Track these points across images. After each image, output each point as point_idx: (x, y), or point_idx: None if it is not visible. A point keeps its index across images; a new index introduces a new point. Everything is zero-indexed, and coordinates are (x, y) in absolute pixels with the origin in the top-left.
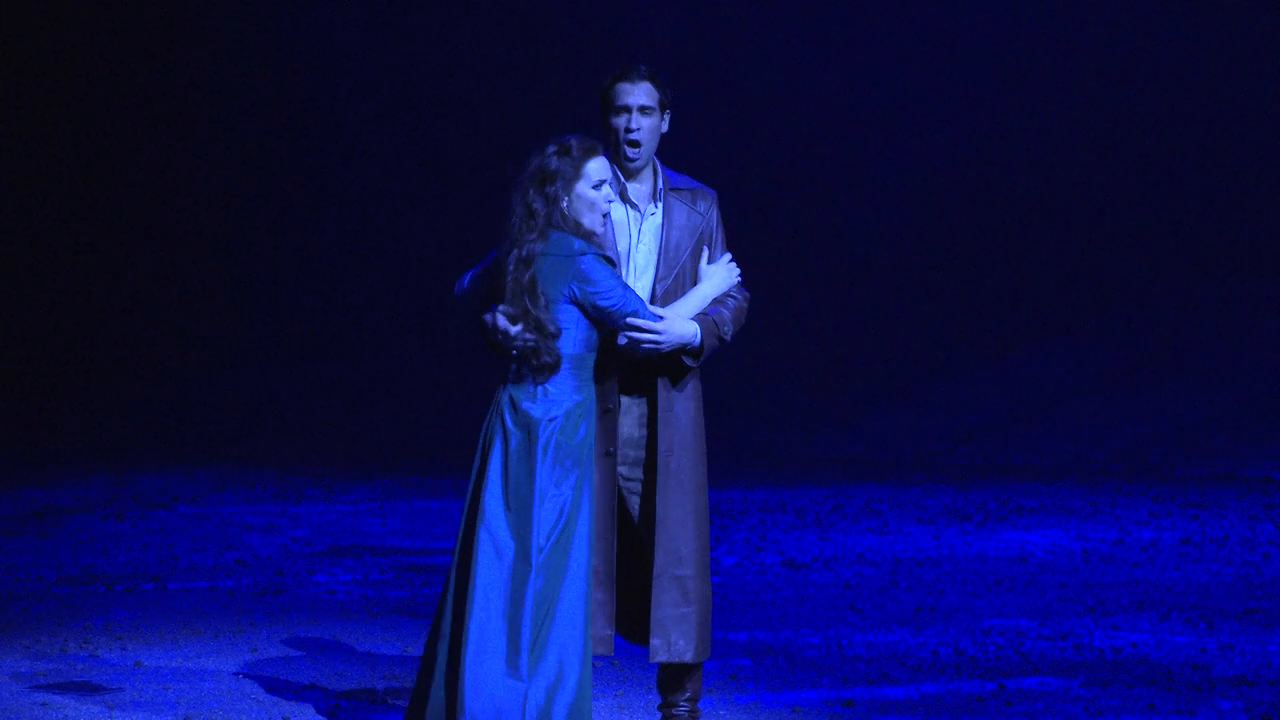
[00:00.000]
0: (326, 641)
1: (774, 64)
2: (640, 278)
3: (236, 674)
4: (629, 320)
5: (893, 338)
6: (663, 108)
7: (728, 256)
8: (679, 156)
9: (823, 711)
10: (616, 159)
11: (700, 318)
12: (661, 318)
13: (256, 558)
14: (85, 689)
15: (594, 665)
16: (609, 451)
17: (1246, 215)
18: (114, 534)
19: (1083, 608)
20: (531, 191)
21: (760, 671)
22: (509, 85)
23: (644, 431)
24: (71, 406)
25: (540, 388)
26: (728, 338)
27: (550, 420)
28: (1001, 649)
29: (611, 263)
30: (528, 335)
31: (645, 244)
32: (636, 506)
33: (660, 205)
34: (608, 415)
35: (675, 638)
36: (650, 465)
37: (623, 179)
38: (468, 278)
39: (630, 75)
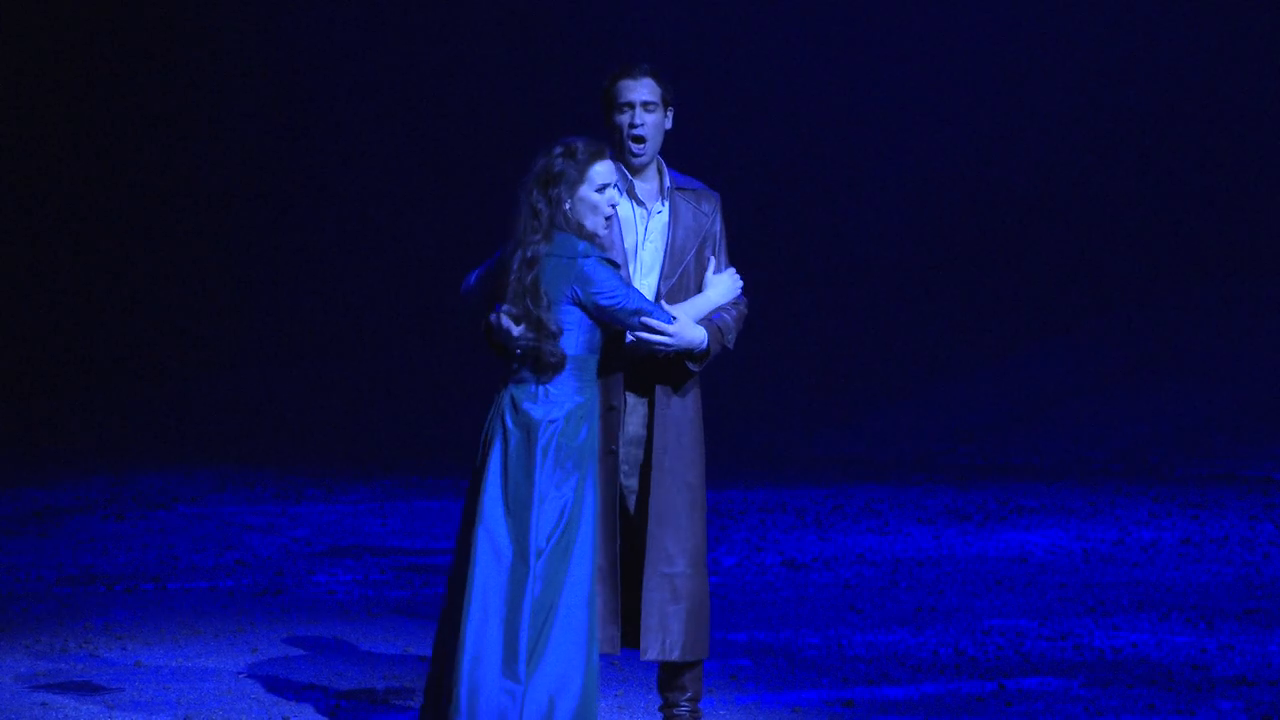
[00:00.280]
0: (326, 641)
1: (774, 64)
2: (646, 276)
3: (236, 674)
4: (643, 320)
5: (893, 338)
6: (665, 104)
7: (732, 269)
8: (680, 156)
9: (823, 711)
10: (621, 157)
11: (707, 323)
12: (674, 318)
13: (256, 558)
14: (85, 689)
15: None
16: (612, 450)
17: (1246, 215)
18: (114, 534)
19: (1083, 608)
20: (536, 192)
21: (760, 671)
22: (509, 85)
23: (646, 432)
24: (71, 406)
25: (542, 388)
26: (730, 345)
27: (550, 422)
28: (1001, 649)
29: (616, 265)
30: (529, 335)
31: (652, 242)
32: (634, 505)
33: (667, 204)
34: (611, 413)
35: (665, 635)
36: (646, 465)
37: (629, 176)
38: (473, 276)
39: (632, 72)
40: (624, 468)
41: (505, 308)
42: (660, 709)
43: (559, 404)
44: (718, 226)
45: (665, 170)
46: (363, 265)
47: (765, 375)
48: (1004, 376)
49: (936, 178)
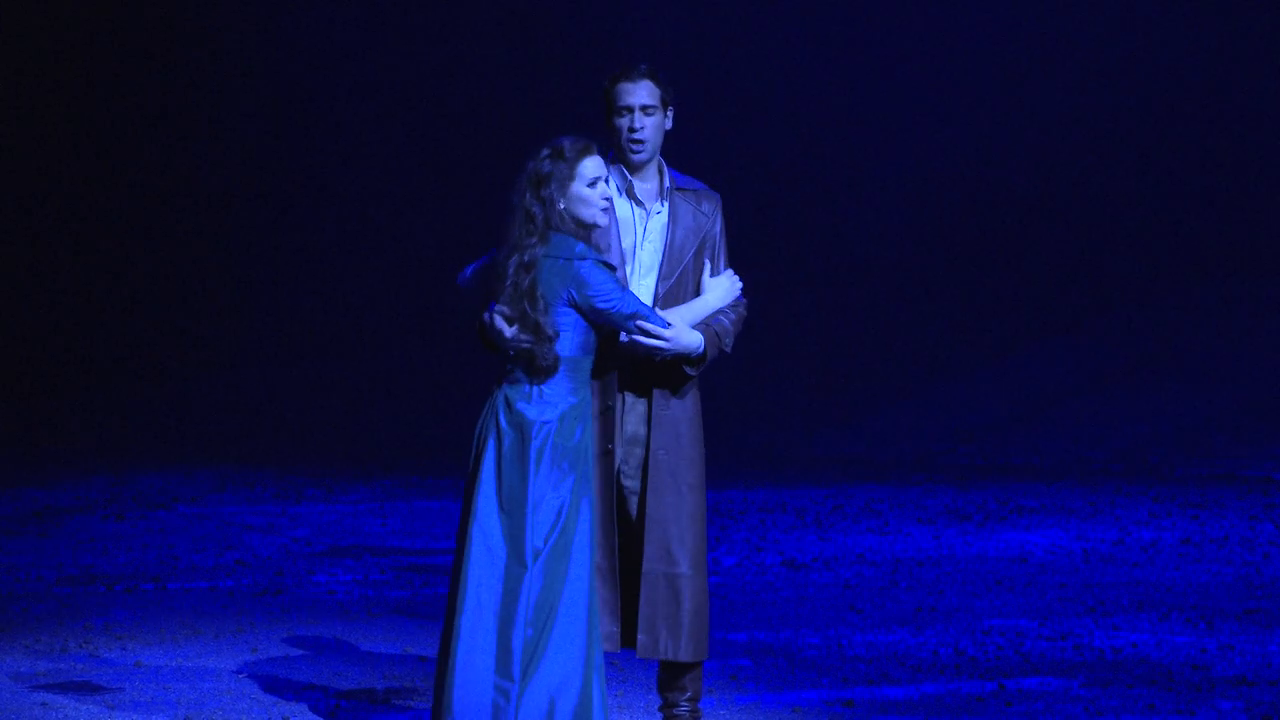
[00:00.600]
0: (326, 641)
1: (774, 64)
2: (645, 276)
3: (236, 674)
4: (638, 323)
5: (893, 338)
6: (665, 105)
7: (730, 271)
8: (679, 156)
9: (823, 711)
10: (622, 158)
11: (704, 328)
12: (669, 324)
13: (256, 558)
14: (85, 689)
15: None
16: (608, 449)
17: (1246, 215)
18: (114, 534)
19: (1083, 608)
20: (528, 196)
21: (760, 671)
22: (509, 85)
23: (645, 431)
24: (71, 406)
25: (536, 389)
26: (728, 349)
27: (545, 423)
28: (1001, 649)
29: (612, 268)
30: (524, 337)
31: (651, 242)
32: (635, 506)
33: (666, 204)
34: (606, 413)
35: (662, 635)
36: (645, 464)
37: (629, 176)
38: (470, 270)
39: (631, 75)
40: (624, 468)
41: (499, 308)
42: (660, 709)
43: (553, 405)
44: (718, 227)
45: (666, 171)
46: (363, 265)
47: (765, 375)
48: (1004, 376)
49: (936, 178)
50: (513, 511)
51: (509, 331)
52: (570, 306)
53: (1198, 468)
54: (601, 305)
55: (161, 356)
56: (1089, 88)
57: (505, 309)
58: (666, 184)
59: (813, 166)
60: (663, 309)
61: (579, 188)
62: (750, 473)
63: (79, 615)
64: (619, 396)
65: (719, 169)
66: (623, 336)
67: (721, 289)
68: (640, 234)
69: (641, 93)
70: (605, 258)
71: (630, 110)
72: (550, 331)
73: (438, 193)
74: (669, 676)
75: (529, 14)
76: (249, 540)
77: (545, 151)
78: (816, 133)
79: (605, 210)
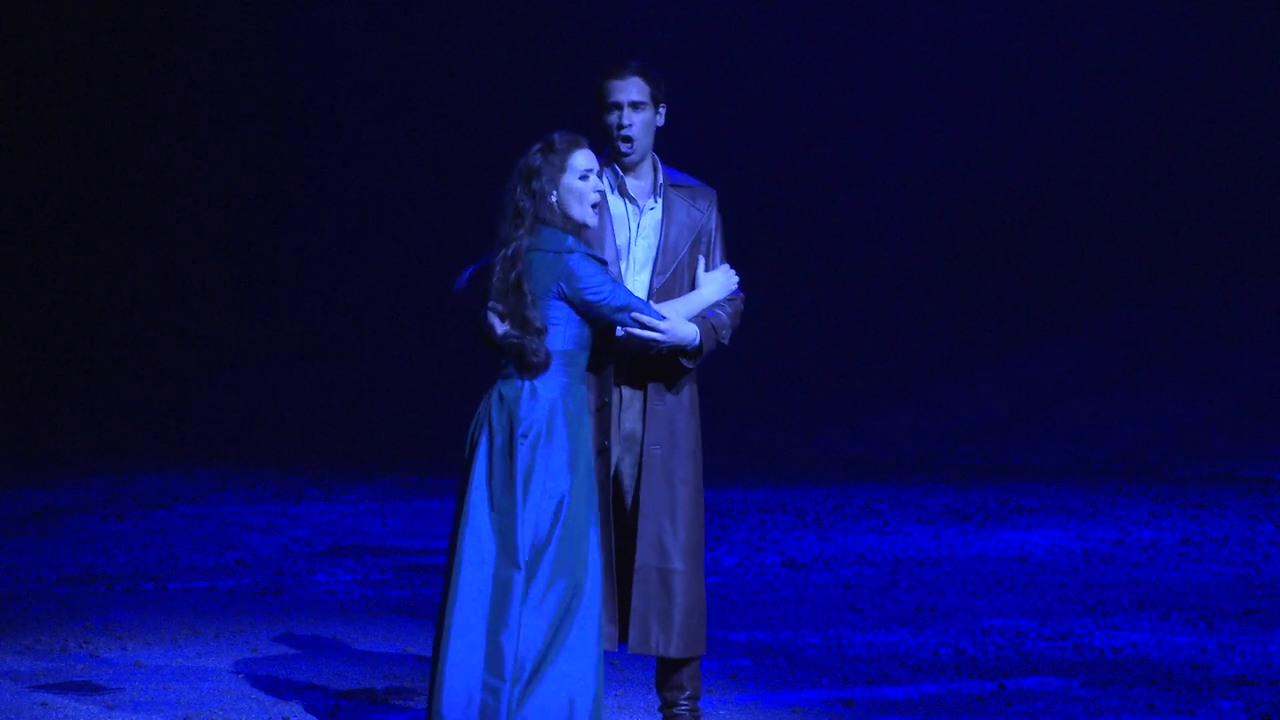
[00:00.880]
0: (326, 641)
1: (774, 64)
2: (639, 273)
3: (236, 674)
4: (633, 315)
5: (893, 338)
6: (655, 102)
7: (726, 266)
8: (678, 155)
9: (823, 711)
10: (613, 155)
11: (700, 320)
12: (665, 317)
13: (256, 558)
14: (85, 689)
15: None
16: (605, 445)
17: (1246, 215)
18: (114, 534)
19: (1083, 608)
20: (519, 190)
21: (760, 671)
22: (509, 85)
23: (641, 428)
24: (71, 406)
25: (528, 384)
26: (725, 341)
27: (536, 419)
28: (1001, 649)
29: (602, 262)
30: (514, 332)
31: (644, 238)
32: (631, 503)
33: (660, 200)
34: (603, 410)
35: (653, 630)
36: (640, 460)
37: (621, 173)
38: (467, 273)
39: (620, 72)
40: (621, 466)
41: (491, 304)
42: (660, 709)
43: (546, 400)
44: (713, 222)
45: (660, 167)
46: (363, 265)
47: (765, 375)
48: (1004, 376)
49: (936, 178)
50: (504, 509)
51: (500, 327)
52: (561, 300)
53: (1198, 468)
54: (592, 298)
55: (161, 356)
56: (1089, 88)
57: (498, 305)
58: (660, 180)
59: (813, 166)
60: (657, 304)
61: (570, 180)
62: (750, 472)
63: (79, 615)
64: (615, 392)
65: (718, 169)
66: (618, 330)
67: (717, 283)
68: (634, 230)
69: (631, 89)
70: (595, 252)
71: (619, 107)
72: (539, 325)
73: (438, 193)
74: (666, 674)
75: (529, 14)
76: (249, 540)
77: (535, 146)
78: (816, 133)
79: (597, 206)
